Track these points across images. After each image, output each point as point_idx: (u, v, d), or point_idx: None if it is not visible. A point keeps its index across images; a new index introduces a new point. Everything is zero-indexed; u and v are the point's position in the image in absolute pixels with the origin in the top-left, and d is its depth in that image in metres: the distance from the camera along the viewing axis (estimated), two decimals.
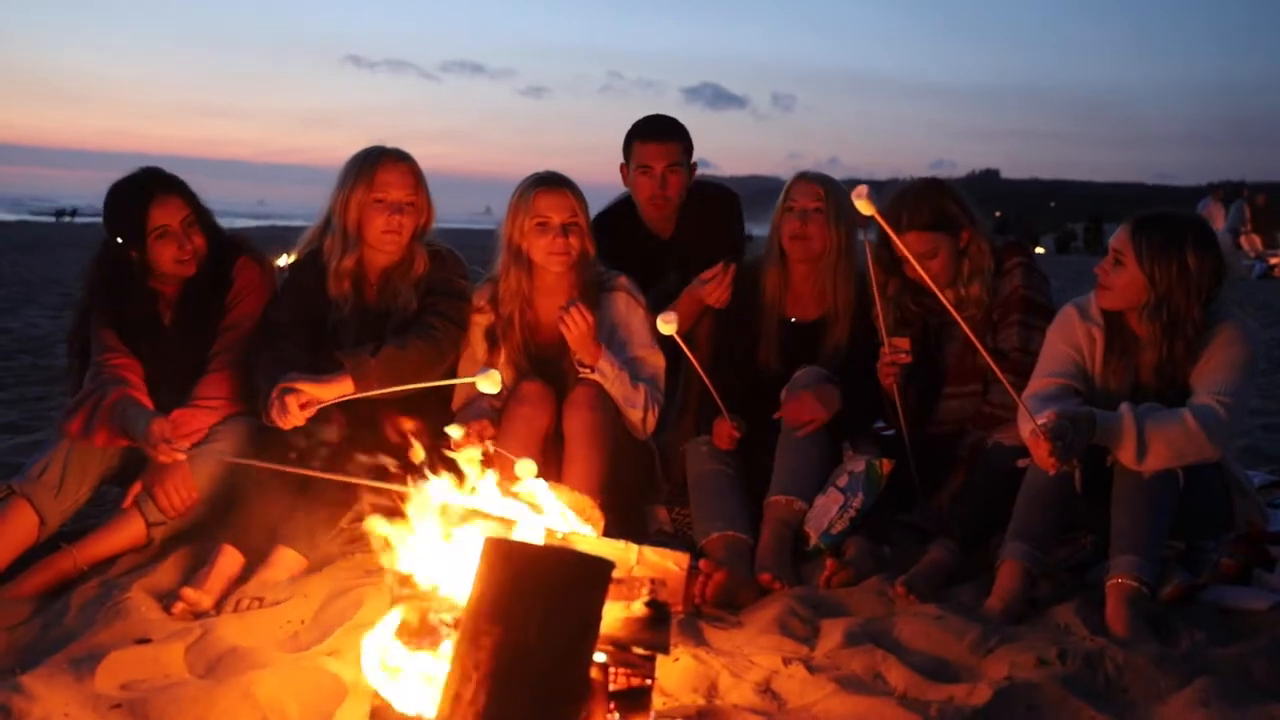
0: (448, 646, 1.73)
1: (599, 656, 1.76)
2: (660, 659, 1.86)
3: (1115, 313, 2.73)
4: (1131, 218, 2.69)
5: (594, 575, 1.60)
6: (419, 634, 1.79)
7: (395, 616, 1.81)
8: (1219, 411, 2.54)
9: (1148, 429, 2.51)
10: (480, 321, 3.16)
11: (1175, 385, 2.67)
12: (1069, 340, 2.78)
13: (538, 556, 1.59)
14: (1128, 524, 2.54)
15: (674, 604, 1.94)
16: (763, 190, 3.42)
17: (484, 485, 2.05)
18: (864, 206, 2.48)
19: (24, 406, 4.70)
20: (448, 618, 1.79)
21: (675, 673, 2.16)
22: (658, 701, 1.92)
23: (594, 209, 3.29)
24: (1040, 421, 2.46)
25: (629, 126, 3.65)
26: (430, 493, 1.98)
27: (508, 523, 2.01)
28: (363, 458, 2.35)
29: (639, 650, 1.80)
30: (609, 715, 1.78)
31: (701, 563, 2.69)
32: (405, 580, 1.89)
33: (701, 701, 2.10)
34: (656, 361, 3.16)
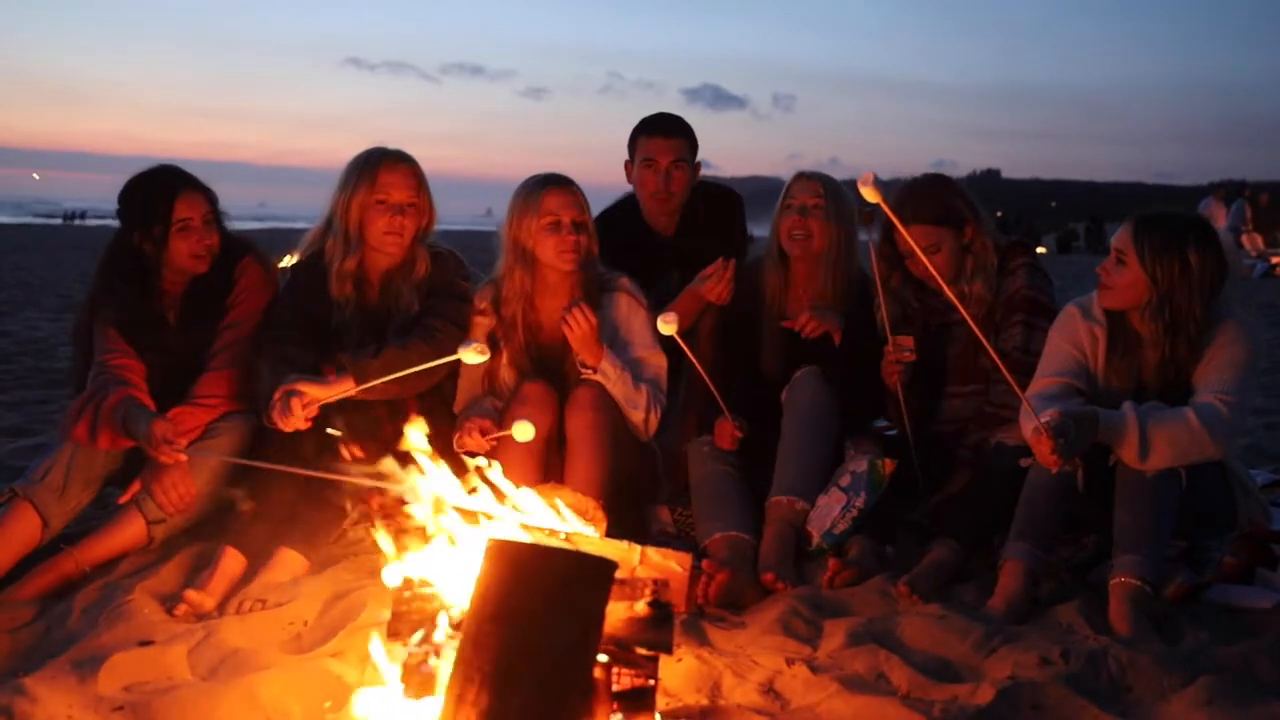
0: (450, 647, 1.72)
1: (602, 657, 1.75)
2: (663, 659, 1.86)
3: (1117, 312, 2.73)
4: (1133, 217, 2.69)
5: (597, 575, 1.60)
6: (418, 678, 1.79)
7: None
8: (1222, 410, 2.54)
9: (1150, 428, 2.51)
10: (482, 324, 3.15)
11: (1178, 384, 2.67)
12: (1071, 339, 2.78)
13: (541, 557, 1.59)
14: (1130, 523, 2.53)
15: (677, 604, 1.94)
16: (763, 190, 3.43)
17: (485, 485, 2.05)
18: (869, 194, 2.47)
19: (26, 409, 4.70)
20: (451, 618, 1.79)
21: (678, 673, 2.16)
22: (661, 702, 1.92)
23: (595, 209, 3.29)
24: (1043, 420, 2.46)
25: (630, 127, 3.66)
26: (431, 492, 1.98)
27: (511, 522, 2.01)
28: (358, 454, 2.36)
29: (642, 650, 1.80)
30: (612, 715, 1.78)
31: (704, 563, 2.69)
32: (407, 586, 1.89)
33: (705, 701, 2.10)
34: (659, 362, 3.16)
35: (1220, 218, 15.12)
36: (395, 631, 1.89)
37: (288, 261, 3.34)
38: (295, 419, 2.76)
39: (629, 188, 3.75)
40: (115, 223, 3.18)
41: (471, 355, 2.57)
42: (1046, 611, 2.55)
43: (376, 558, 2.03)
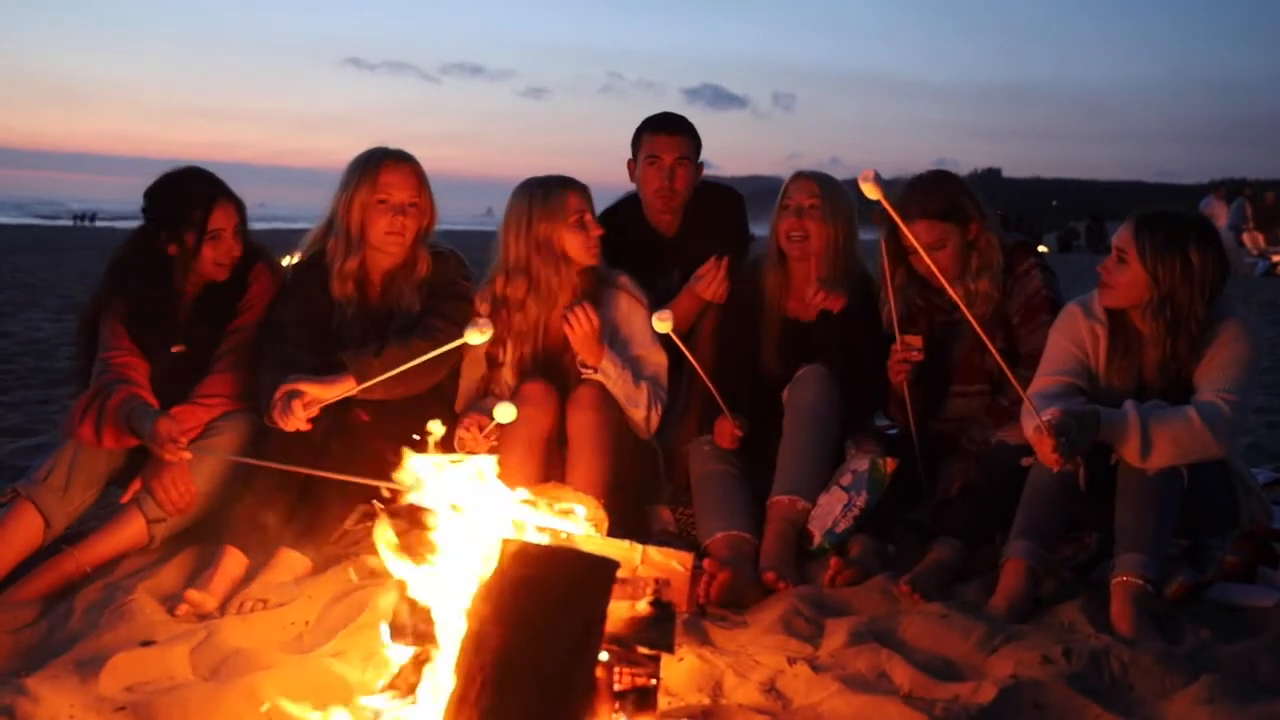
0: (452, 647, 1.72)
1: (603, 656, 1.75)
2: (665, 658, 1.86)
3: (1118, 311, 2.73)
4: (1134, 216, 2.69)
5: (599, 575, 1.60)
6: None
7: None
8: (1223, 409, 2.54)
9: (1152, 426, 2.50)
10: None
11: (1179, 383, 2.66)
12: (1073, 338, 2.78)
13: (542, 556, 1.59)
14: (1132, 522, 2.53)
15: (678, 604, 1.94)
16: (763, 190, 3.43)
17: (486, 484, 2.05)
18: (870, 190, 2.47)
19: (27, 409, 4.71)
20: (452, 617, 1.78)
21: (680, 672, 2.16)
22: (663, 701, 1.92)
23: (596, 209, 3.29)
24: (1045, 418, 2.46)
25: (630, 127, 3.67)
26: (431, 491, 1.98)
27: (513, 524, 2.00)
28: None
29: (644, 650, 1.80)
30: (614, 715, 1.78)
31: (706, 562, 2.69)
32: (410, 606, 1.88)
33: (706, 701, 2.10)
34: (659, 360, 3.16)
35: (1221, 216, 15.11)
36: (398, 631, 1.89)
37: (288, 261, 3.35)
38: (296, 419, 2.76)
39: (629, 188, 3.75)
40: (125, 225, 3.18)
41: (476, 335, 2.59)
42: (1048, 610, 2.55)
43: (378, 557, 2.03)
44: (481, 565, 1.60)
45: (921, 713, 1.94)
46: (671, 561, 2.12)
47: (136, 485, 2.87)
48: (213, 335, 3.04)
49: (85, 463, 2.85)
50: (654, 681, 1.81)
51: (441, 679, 1.71)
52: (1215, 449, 2.54)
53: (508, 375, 3.15)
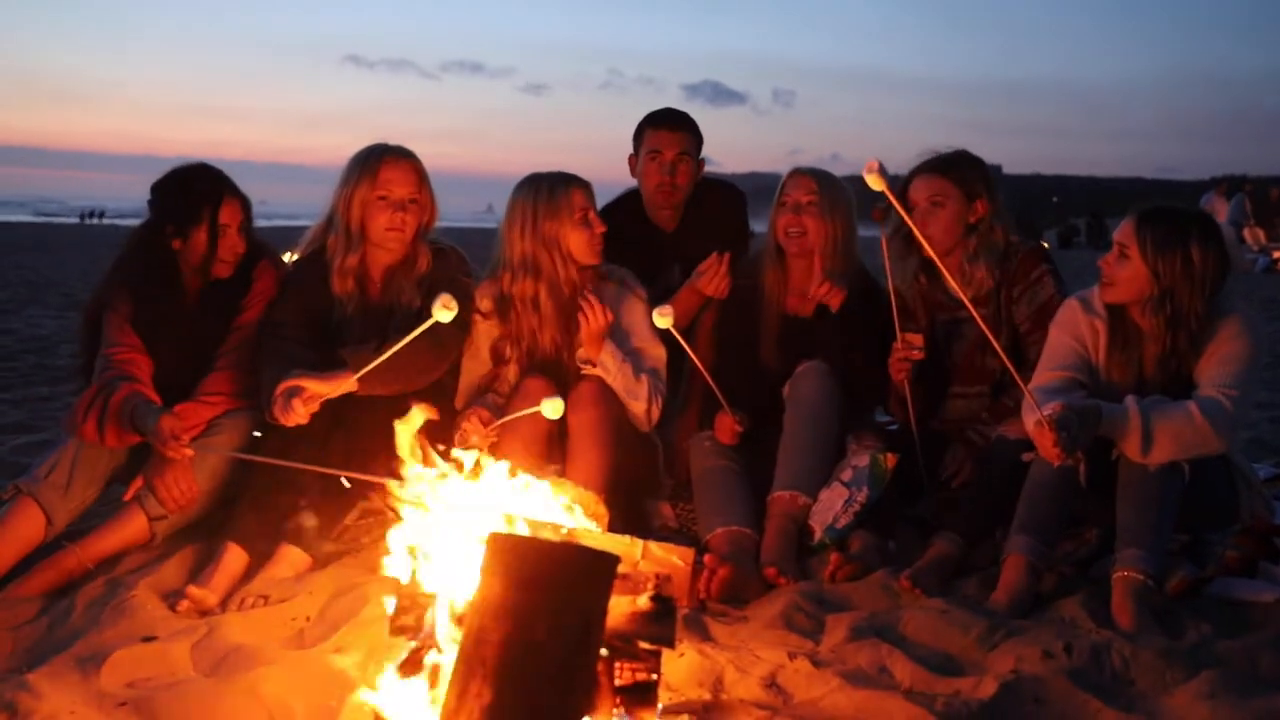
0: (453, 644, 1.73)
1: (604, 651, 1.75)
2: (666, 654, 1.86)
3: (1118, 306, 2.73)
4: (1136, 211, 2.69)
5: (599, 570, 1.59)
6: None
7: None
8: (1225, 404, 2.54)
9: (1153, 421, 2.51)
10: (484, 324, 3.15)
11: (1179, 379, 2.67)
12: (1073, 333, 2.78)
13: (543, 552, 1.58)
14: (1133, 517, 2.53)
15: (679, 599, 1.94)
16: (764, 186, 3.43)
17: (487, 479, 2.05)
18: (874, 181, 2.47)
19: (30, 406, 4.71)
20: (453, 613, 1.79)
21: (681, 668, 2.16)
22: (663, 696, 1.92)
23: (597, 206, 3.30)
24: (1045, 413, 2.46)
25: (630, 123, 3.68)
26: (433, 487, 1.98)
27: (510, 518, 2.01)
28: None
29: (644, 645, 1.80)
30: (615, 710, 1.78)
31: (706, 558, 2.69)
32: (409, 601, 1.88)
33: (707, 696, 2.10)
34: (658, 354, 3.16)
35: (1221, 212, 15.10)
36: (399, 628, 1.89)
37: (289, 258, 3.35)
38: (297, 415, 2.76)
39: (629, 184, 3.75)
40: (131, 222, 3.18)
41: (442, 311, 2.57)
42: (1049, 606, 2.55)
43: (378, 553, 2.03)
44: (482, 561, 1.60)
45: (922, 708, 1.94)
46: (672, 557, 2.12)
47: (138, 483, 2.87)
48: (216, 331, 3.04)
49: (87, 460, 2.85)
50: (655, 676, 1.81)
51: (442, 675, 1.72)
52: (1216, 444, 2.54)
53: (510, 371, 3.16)
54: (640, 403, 3.07)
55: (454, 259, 3.17)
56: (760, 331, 3.29)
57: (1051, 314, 3.00)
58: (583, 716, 1.57)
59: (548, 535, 1.91)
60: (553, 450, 3.03)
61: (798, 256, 3.23)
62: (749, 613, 2.57)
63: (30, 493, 2.78)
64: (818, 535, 2.91)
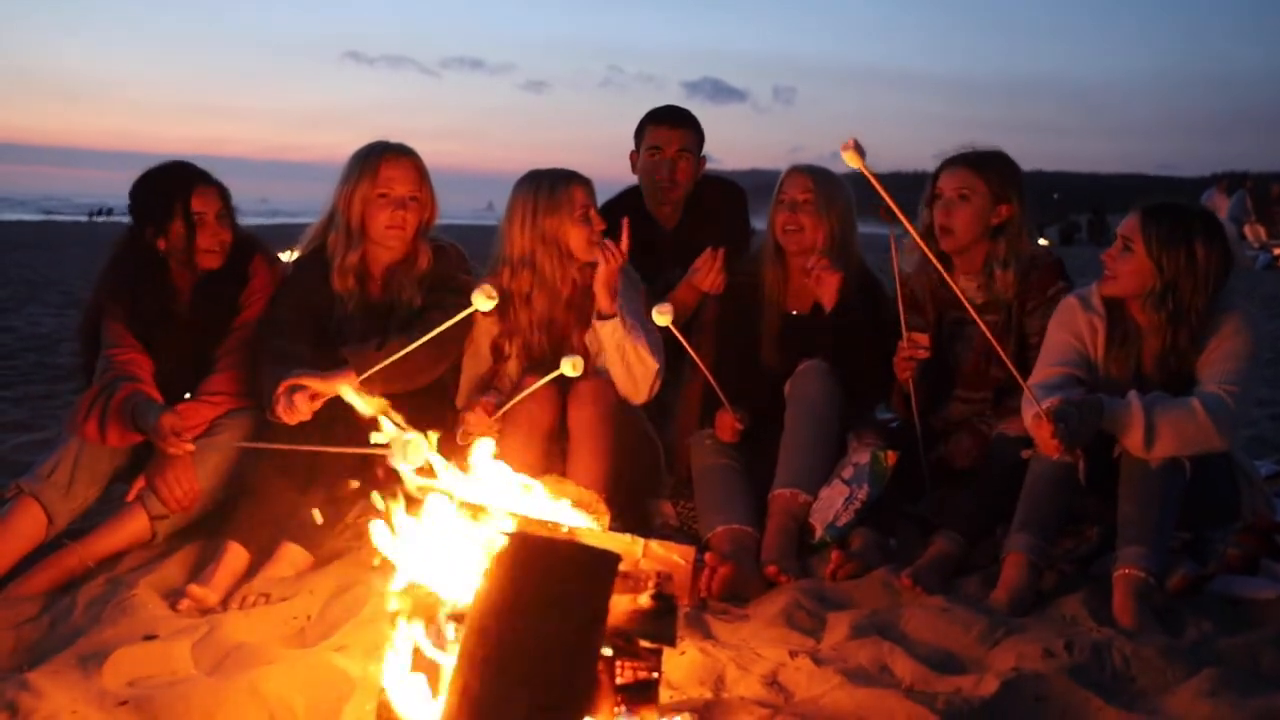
0: (454, 641, 1.73)
1: (605, 650, 1.75)
2: (667, 652, 1.86)
3: (1117, 303, 2.73)
4: (1141, 206, 2.70)
5: (600, 568, 1.59)
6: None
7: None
8: (1227, 401, 2.54)
9: (1157, 416, 2.50)
10: (484, 322, 3.15)
11: (1179, 376, 2.67)
12: (1071, 330, 2.78)
13: (545, 550, 1.58)
14: (1134, 515, 2.53)
15: (680, 597, 1.94)
16: (764, 184, 3.43)
17: (490, 476, 2.05)
18: (850, 159, 2.47)
19: (30, 404, 4.71)
20: (454, 610, 1.78)
21: (682, 666, 2.16)
22: (664, 694, 1.92)
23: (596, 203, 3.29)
24: (1044, 406, 2.46)
25: (630, 120, 3.69)
26: (436, 483, 1.98)
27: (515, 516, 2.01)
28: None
29: (645, 643, 1.80)
30: (616, 708, 1.78)
31: (707, 556, 2.70)
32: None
33: (708, 694, 2.10)
34: (655, 331, 3.13)
35: (1223, 209, 15.08)
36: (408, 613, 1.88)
37: (289, 256, 3.35)
38: (299, 412, 2.76)
39: (629, 182, 3.75)
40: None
41: (483, 300, 2.59)
42: (1050, 603, 2.55)
43: (379, 552, 2.03)
44: (484, 558, 1.60)
45: (923, 706, 1.94)
46: (673, 555, 2.12)
47: (140, 483, 2.87)
48: (214, 329, 3.04)
49: (89, 460, 2.85)
50: (655, 675, 1.81)
51: (443, 673, 1.71)
52: (1218, 441, 2.54)
53: (511, 368, 3.16)
54: (652, 359, 3.02)
55: (454, 257, 3.16)
56: (761, 330, 3.29)
57: None
58: (584, 715, 1.58)
59: (549, 534, 1.91)
60: (553, 449, 3.03)
61: (796, 255, 3.23)
62: (750, 611, 2.57)
63: (32, 492, 2.78)
64: (818, 533, 2.91)
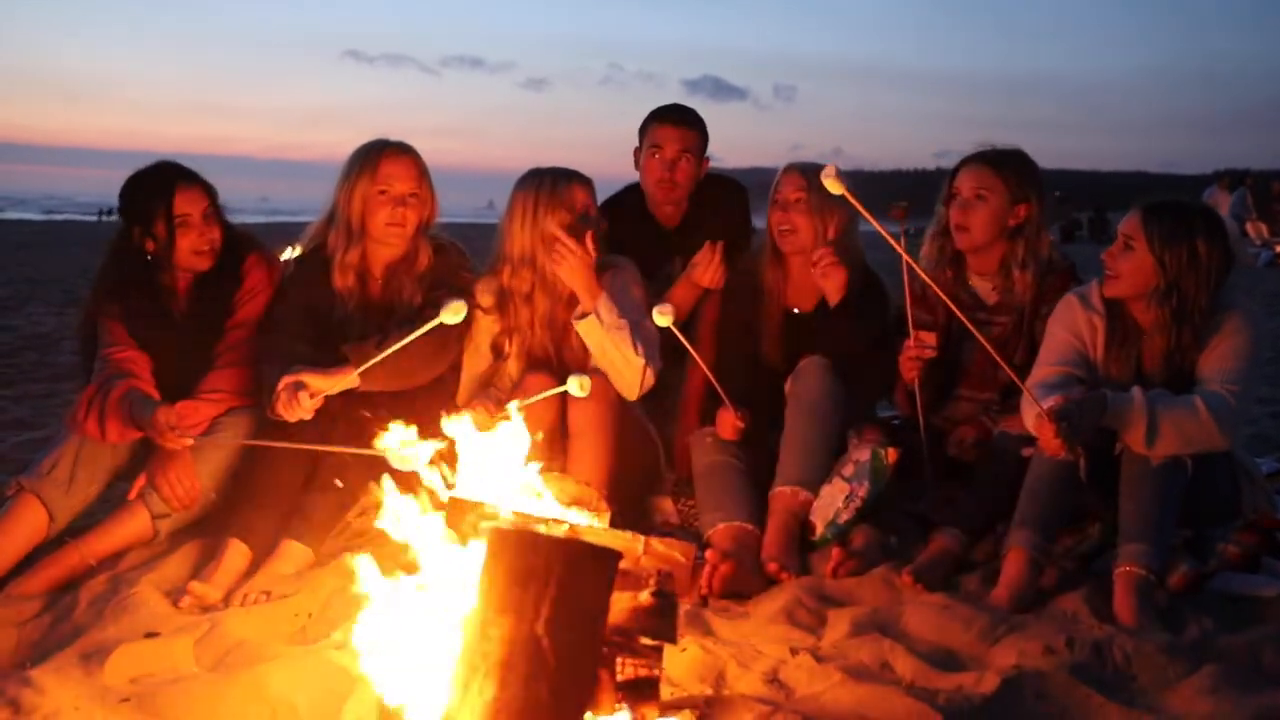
0: (455, 639, 1.73)
1: (606, 647, 1.75)
2: (668, 649, 1.86)
3: (1117, 301, 2.72)
4: (1142, 204, 2.69)
5: (601, 566, 1.60)
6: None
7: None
8: (1229, 400, 2.54)
9: (1160, 413, 2.51)
10: (484, 321, 3.15)
11: (1180, 373, 2.66)
12: (1071, 329, 2.78)
13: (546, 547, 1.59)
14: (1135, 512, 2.53)
15: (681, 595, 1.94)
16: (765, 182, 3.42)
17: (494, 475, 2.05)
18: (832, 185, 2.48)
19: (31, 403, 4.71)
20: (455, 609, 1.79)
21: (683, 663, 2.16)
22: (665, 691, 1.92)
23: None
24: (1046, 405, 2.46)
25: (631, 118, 3.68)
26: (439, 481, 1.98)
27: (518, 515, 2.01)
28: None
29: (646, 640, 1.80)
30: (617, 705, 1.78)
31: (708, 553, 2.70)
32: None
33: (709, 691, 2.10)
34: (652, 327, 3.13)
35: (1224, 207, 15.05)
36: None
37: (290, 253, 3.35)
38: (300, 409, 2.76)
39: (629, 180, 3.74)
40: None
41: (451, 315, 2.57)
42: (1050, 601, 2.55)
43: (381, 550, 2.03)
44: (485, 556, 1.60)
45: (924, 703, 1.94)
46: (674, 552, 2.12)
47: (142, 481, 2.87)
48: (211, 328, 3.04)
49: (90, 457, 2.85)
50: (656, 672, 1.81)
51: (445, 671, 1.72)
52: (1219, 440, 2.54)
53: (512, 367, 3.16)
54: (636, 361, 2.99)
55: (454, 255, 3.16)
56: (761, 327, 3.29)
57: None
58: (585, 712, 1.58)
59: (550, 531, 1.91)
60: (554, 446, 3.03)
61: (792, 254, 3.23)
62: (751, 608, 2.57)
63: (32, 489, 2.78)
64: (819, 531, 2.91)
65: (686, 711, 1.96)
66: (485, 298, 3.15)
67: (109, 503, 3.02)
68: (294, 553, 2.76)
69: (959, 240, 3.02)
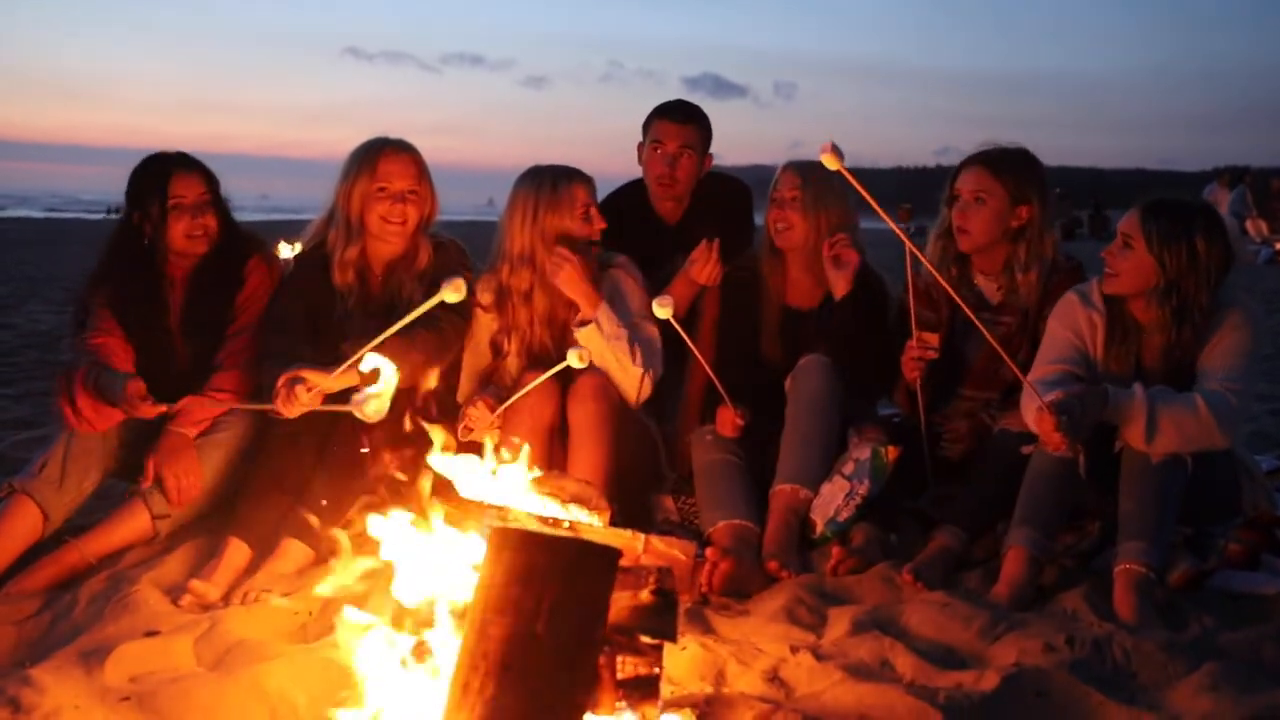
0: (456, 637, 1.73)
1: (606, 645, 1.75)
2: (668, 647, 1.86)
3: (1116, 299, 2.72)
4: (1141, 202, 2.69)
5: (601, 564, 1.59)
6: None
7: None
8: (1230, 399, 2.54)
9: (1160, 410, 2.50)
10: (484, 319, 3.15)
11: (1180, 371, 2.66)
12: (1070, 326, 2.78)
13: (546, 545, 1.58)
14: (1136, 510, 2.53)
15: (681, 593, 1.94)
16: (765, 179, 3.42)
17: (493, 473, 2.05)
18: (829, 161, 2.47)
19: (31, 401, 4.71)
20: (455, 607, 1.79)
21: (683, 661, 2.16)
22: (665, 690, 1.92)
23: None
24: (1046, 400, 2.45)
25: (631, 116, 3.68)
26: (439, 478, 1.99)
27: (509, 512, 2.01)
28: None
29: (646, 639, 1.80)
30: (617, 704, 1.78)
31: (708, 551, 2.70)
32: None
33: (709, 690, 2.10)
34: (652, 330, 3.13)
35: (1224, 204, 15.03)
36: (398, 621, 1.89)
37: (290, 251, 3.35)
38: (300, 404, 2.76)
39: (630, 177, 3.74)
40: None
41: (452, 293, 2.57)
42: (1051, 598, 2.55)
43: (381, 549, 2.03)
44: (485, 554, 1.60)
45: (924, 701, 1.94)
46: (674, 550, 2.13)
47: (150, 471, 2.86)
48: (206, 320, 3.04)
49: (79, 453, 2.85)
50: (657, 670, 1.81)
51: (444, 669, 1.72)
52: (1219, 439, 2.54)
53: (512, 365, 3.16)
54: (634, 370, 3.01)
55: (454, 252, 3.16)
56: (761, 325, 3.29)
57: None
58: (585, 711, 1.58)
59: (550, 529, 1.91)
60: (554, 445, 3.03)
61: (789, 252, 3.23)
62: (751, 606, 2.57)
63: (24, 489, 2.78)
64: (819, 528, 2.91)
65: (687, 710, 1.96)
66: (485, 295, 3.15)
67: (108, 501, 3.02)
68: (294, 551, 2.76)
69: (960, 242, 3.02)
